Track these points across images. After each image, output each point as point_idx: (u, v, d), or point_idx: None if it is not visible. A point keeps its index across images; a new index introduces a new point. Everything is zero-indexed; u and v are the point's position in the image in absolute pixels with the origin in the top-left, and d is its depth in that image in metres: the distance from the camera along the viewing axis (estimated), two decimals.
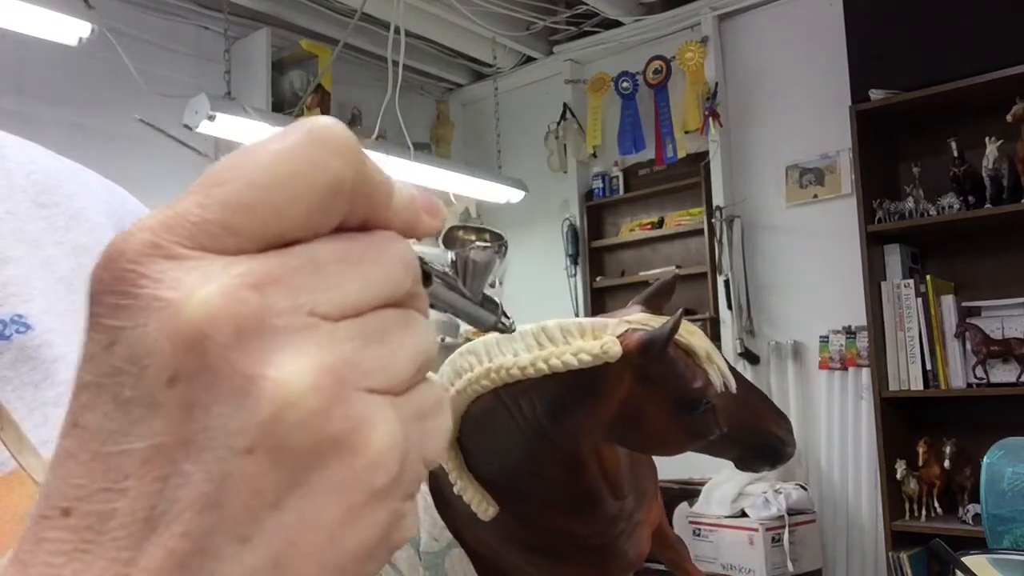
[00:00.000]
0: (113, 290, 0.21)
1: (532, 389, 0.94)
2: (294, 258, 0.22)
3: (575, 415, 0.95)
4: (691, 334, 0.95)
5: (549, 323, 0.93)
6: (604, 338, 0.90)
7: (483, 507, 0.98)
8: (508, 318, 0.34)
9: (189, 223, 0.21)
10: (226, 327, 0.20)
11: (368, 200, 0.24)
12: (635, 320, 0.93)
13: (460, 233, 0.31)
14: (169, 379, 0.20)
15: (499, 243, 0.31)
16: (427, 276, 0.27)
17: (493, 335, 0.95)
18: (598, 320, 0.93)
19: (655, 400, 0.94)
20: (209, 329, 0.20)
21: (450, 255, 0.31)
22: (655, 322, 0.93)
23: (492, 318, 0.33)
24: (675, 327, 0.90)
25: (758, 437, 1.01)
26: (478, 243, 0.31)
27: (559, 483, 1.00)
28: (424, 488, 1.04)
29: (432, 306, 0.27)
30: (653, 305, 1.01)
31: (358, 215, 0.24)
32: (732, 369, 0.98)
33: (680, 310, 0.94)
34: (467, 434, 1.01)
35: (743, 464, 1.04)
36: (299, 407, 0.21)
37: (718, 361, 0.95)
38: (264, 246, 0.22)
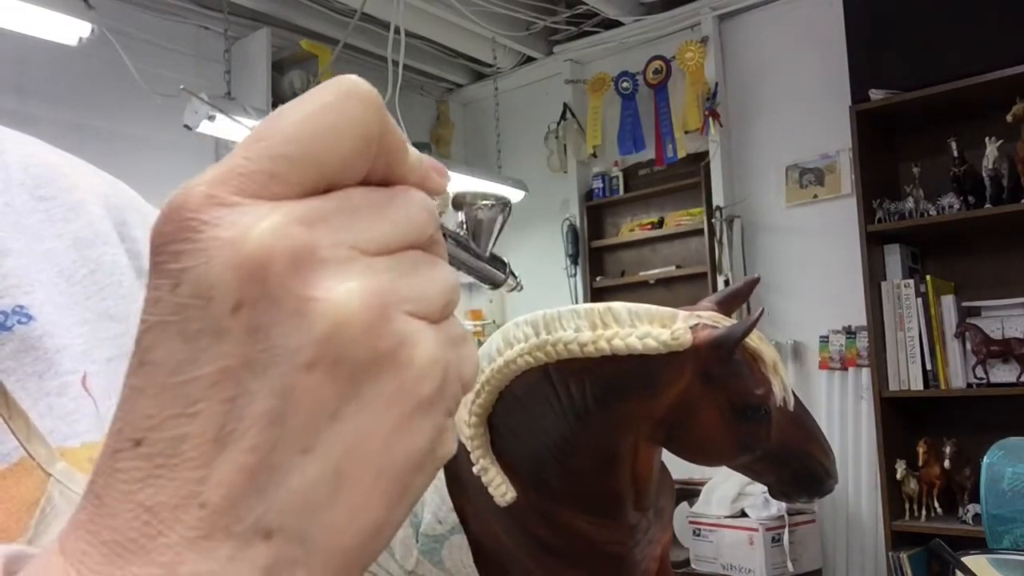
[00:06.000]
0: (176, 238, 0.23)
1: (586, 370, 0.90)
2: (333, 201, 0.24)
3: (627, 403, 0.91)
4: (760, 340, 0.92)
5: (616, 304, 0.90)
6: (675, 326, 0.87)
7: (502, 490, 0.94)
8: (516, 277, 0.37)
9: (238, 175, 0.23)
10: (283, 256, 0.23)
11: (389, 153, 0.26)
12: (705, 316, 0.91)
13: (467, 196, 0.34)
14: (234, 306, 0.22)
15: (503, 203, 0.34)
16: (441, 236, 0.29)
17: (555, 309, 0.92)
18: (667, 309, 0.90)
19: (712, 402, 0.91)
20: (267, 259, 0.22)
21: (460, 215, 0.33)
22: (725, 322, 0.91)
23: (501, 275, 0.36)
24: (751, 327, 0.88)
25: (803, 461, 0.98)
26: (484, 203, 0.34)
27: (587, 477, 0.96)
28: None
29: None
30: (725, 307, 0.98)
31: (380, 169, 0.26)
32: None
33: (761, 309, 0.91)
34: (500, 413, 0.97)
35: (779, 489, 1.00)
36: (352, 323, 0.23)
37: (783, 374, 0.93)
38: (305, 192, 0.24)
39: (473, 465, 0.96)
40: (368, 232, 0.25)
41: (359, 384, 0.23)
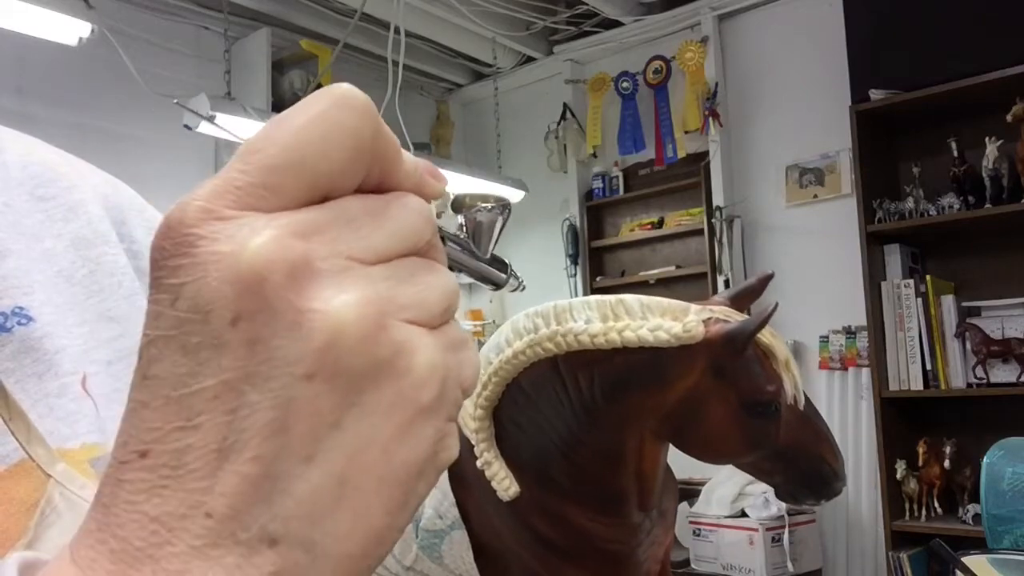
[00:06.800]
0: (175, 253, 0.23)
1: (596, 362, 0.89)
2: (328, 211, 0.25)
3: (635, 397, 0.90)
4: (773, 336, 0.91)
5: (628, 296, 0.89)
6: (687, 319, 0.86)
7: (505, 484, 0.93)
8: (518, 277, 0.37)
9: (234, 187, 0.24)
10: (280, 269, 0.23)
11: (384, 160, 0.26)
12: (718, 311, 0.90)
13: (467, 199, 0.34)
14: (232, 319, 0.23)
15: (502, 205, 0.34)
16: (441, 239, 0.29)
17: (566, 300, 0.91)
18: (679, 302, 0.89)
19: (722, 397, 0.89)
20: (265, 272, 0.23)
21: (459, 218, 0.34)
22: (738, 317, 0.90)
23: (503, 276, 0.36)
24: (764, 322, 0.87)
25: (811, 462, 0.96)
26: (483, 205, 0.34)
27: (592, 474, 0.95)
28: None
29: (447, 268, 0.29)
30: (738, 303, 0.97)
31: (375, 176, 0.26)
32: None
33: (775, 303, 0.89)
34: (506, 406, 0.95)
35: (786, 490, 0.98)
36: (350, 333, 0.23)
37: (795, 371, 0.92)
38: (300, 203, 0.24)
39: (477, 459, 0.95)
40: (364, 241, 0.25)
41: (359, 393, 0.24)
